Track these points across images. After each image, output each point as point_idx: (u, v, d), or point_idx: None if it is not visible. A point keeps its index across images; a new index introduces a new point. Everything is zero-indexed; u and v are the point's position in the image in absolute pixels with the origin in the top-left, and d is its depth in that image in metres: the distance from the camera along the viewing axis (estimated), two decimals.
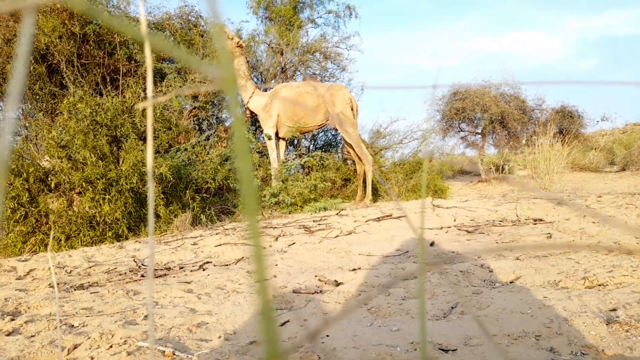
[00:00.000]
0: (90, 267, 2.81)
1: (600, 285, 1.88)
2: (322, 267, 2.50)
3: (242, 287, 2.09)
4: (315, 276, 2.23)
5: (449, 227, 3.68)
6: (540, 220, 3.81)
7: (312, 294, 1.90)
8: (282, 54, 7.57)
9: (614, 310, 1.51)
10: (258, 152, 6.96)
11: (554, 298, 1.66)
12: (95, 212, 4.30)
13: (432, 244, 3.02)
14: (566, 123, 11.58)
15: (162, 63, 6.40)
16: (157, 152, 5.33)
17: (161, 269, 2.60)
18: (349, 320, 1.56)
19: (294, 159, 7.73)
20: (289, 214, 5.80)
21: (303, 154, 7.55)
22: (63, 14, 5.58)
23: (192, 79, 6.01)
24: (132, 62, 6.13)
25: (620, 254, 2.46)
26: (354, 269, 2.34)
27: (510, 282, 2.05)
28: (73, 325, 1.68)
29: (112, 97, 4.81)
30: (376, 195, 7.49)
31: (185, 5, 6.86)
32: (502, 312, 1.54)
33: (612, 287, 1.83)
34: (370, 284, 2.05)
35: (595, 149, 12.98)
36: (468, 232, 3.44)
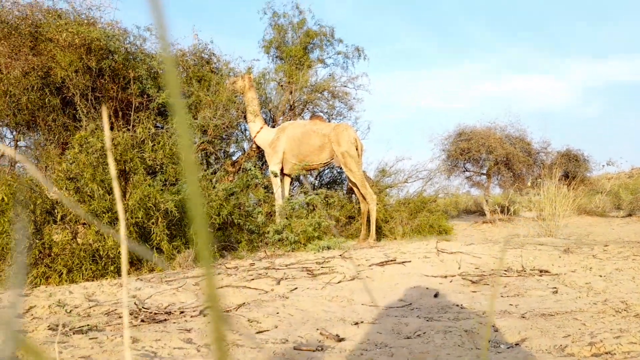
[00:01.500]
0: (90, 308, 2.79)
1: (607, 353, 1.84)
2: (324, 318, 2.47)
3: (242, 340, 2.07)
4: (317, 329, 2.20)
5: (453, 276, 3.64)
6: (546, 271, 3.76)
7: (314, 351, 1.87)
8: (291, 92, 7.72)
9: None
10: (264, 188, 6.99)
11: None
12: (98, 246, 4.30)
13: (436, 295, 2.98)
14: (572, 166, 11.59)
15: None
16: (164, 185, 5.36)
17: (161, 313, 2.58)
18: None
19: (298, 195, 7.75)
20: (292, 251, 5.76)
21: (308, 190, 7.57)
22: (81, 49, 5.75)
23: (202, 117, 6.12)
24: (145, 96, 6.27)
25: (628, 316, 2.42)
26: (356, 323, 2.31)
27: (516, 344, 2.01)
28: None
29: (123, 132, 4.89)
30: (380, 234, 7.46)
31: (199, 44, 7.07)
32: None
33: (620, 356, 1.79)
34: (372, 341, 2.02)
35: (601, 192, 12.92)
36: (473, 282, 3.40)
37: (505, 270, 3.86)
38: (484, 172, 11.46)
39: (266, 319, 2.44)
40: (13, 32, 5.65)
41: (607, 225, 10.31)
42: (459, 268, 4.00)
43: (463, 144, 10.74)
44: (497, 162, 10.76)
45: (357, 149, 6.55)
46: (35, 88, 5.60)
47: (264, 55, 8.60)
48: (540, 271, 3.79)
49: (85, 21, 6.10)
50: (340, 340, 2.05)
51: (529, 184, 11.52)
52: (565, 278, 3.52)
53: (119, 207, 0.50)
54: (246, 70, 7.42)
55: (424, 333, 2.10)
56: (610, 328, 2.17)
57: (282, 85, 7.80)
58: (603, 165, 13.14)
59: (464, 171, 11.48)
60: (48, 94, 5.67)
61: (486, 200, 11.42)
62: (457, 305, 2.72)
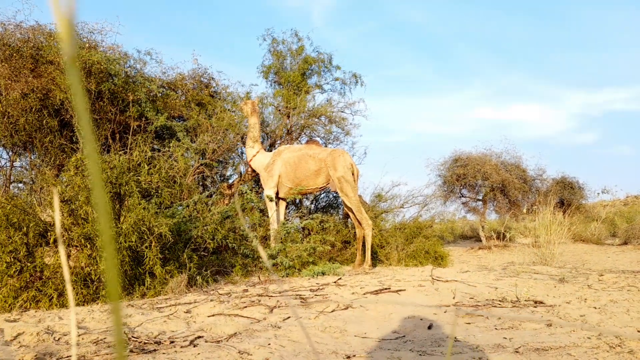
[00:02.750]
0: (79, 336, 2.75)
1: None
2: (316, 350, 2.44)
3: None
4: None
5: (447, 306, 3.61)
6: (541, 302, 3.74)
7: None
8: (288, 117, 7.79)
9: None
10: (260, 211, 6.98)
11: None
12: (90, 270, 4.26)
13: (430, 327, 2.95)
14: (567, 194, 11.64)
15: (172, 121, 6.58)
16: (158, 208, 5.34)
17: (151, 343, 2.54)
18: None
19: (294, 219, 7.73)
20: (287, 276, 5.72)
21: (304, 215, 7.56)
22: (81, 72, 5.81)
23: (201, 141, 6.15)
24: (143, 119, 6.31)
25: (622, 352, 2.40)
26: (349, 356, 2.28)
27: None
28: None
29: (120, 155, 4.91)
30: (375, 259, 7.42)
31: (199, 68, 7.16)
32: None
33: None
34: None
35: (596, 220, 12.95)
36: (467, 313, 3.37)
37: (500, 301, 3.84)
38: (480, 198, 11.50)
39: (257, 351, 2.41)
40: (14, 54, 5.72)
41: (603, 253, 10.30)
42: (454, 298, 3.97)
43: (459, 170, 10.81)
44: (492, 188, 10.81)
45: (353, 174, 6.57)
46: (33, 109, 5.63)
47: (262, 80, 8.73)
48: (535, 302, 3.77)
49: (87, 44, 6.19)
50: None
51: (525, 210, 11.55)
52: (559, 310, 3.50)
53: (59, 237, 0.50)
54: (245, 94, 7.51)
55: None
56: None
57: (280, 110, 7.88)
58: (598, 193, 13.23)
59: (460, 197, 11.52)
60: (46, 115, 5.70)
61: (482, 226, 11.42)
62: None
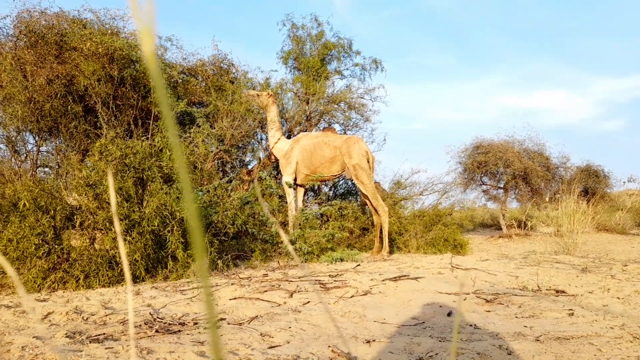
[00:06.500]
0: (106, 315, 2.84)
1: None
2: (336, 334, 2.47)
3: (254, 354, 2.08)
4: (329, 346, 2.21)
5: (467, 294, 3.60)
6: (563, 292, 3.70)
7: None
8: (308, 103, 7.78)
9: None
10: (279, 197, 7.03)
11: None
12: (115, 253, 4.37)
13: (449, 314, 2.95)
14: (591, 182, 11.38)
15: (192, 107, 6.64)
16: (180, 193, 5.42)
17: (176, 324, 2.61)
18: None
19: (312, 205, 7.76)
20: (305, 262, 5.77)
21: (323, 201, 7.58)
22: (104, 59, 5.89)
23: (220, 127, 6.20)
24: None
25: None
26: (368, 341, 2.30)
27: None
28: None
29: (142, 141, 4.99)
30: (394, 246, 7.42)
31: (219, 54, 7.18)
32: None
33: None
34: None
35: (621, 209, 12.65)
36: (487, 301, 3.36)
37: (521, 290, 3.81)
38: (501, 185, 11.33)
39: (278, 333, 2.45)
40: (40, 40, 5.82)
41: (627, 243, 10.08)
42: (473, 285, 3.96)
43: (480, 157, 10.65)
44: (514, 176, 10.63)
45: (368, 162, 6.55)
46: (58, 95, 5.75)
47: (282, 66, 8.71)
48: (557, 291, 3.73)
49: (109, 31, 6.26)
50: (352, 359, 2.05)
51: (547, 199, 11.35)
52: (582, 299, 3.46)
53: (117, 226, 0.51)
54: (264, 81, 7.51)
55: (436, 354, 2.08)
56: (628, 355, 2.13)
57: (299, 96, 7.86)
58: (624, 182, 12.89)
59: (481, 184, 11.37)
60: (71, 101, 5.81)
61: (503, 215, 11.27)
62: (471, 325, 2.69)
